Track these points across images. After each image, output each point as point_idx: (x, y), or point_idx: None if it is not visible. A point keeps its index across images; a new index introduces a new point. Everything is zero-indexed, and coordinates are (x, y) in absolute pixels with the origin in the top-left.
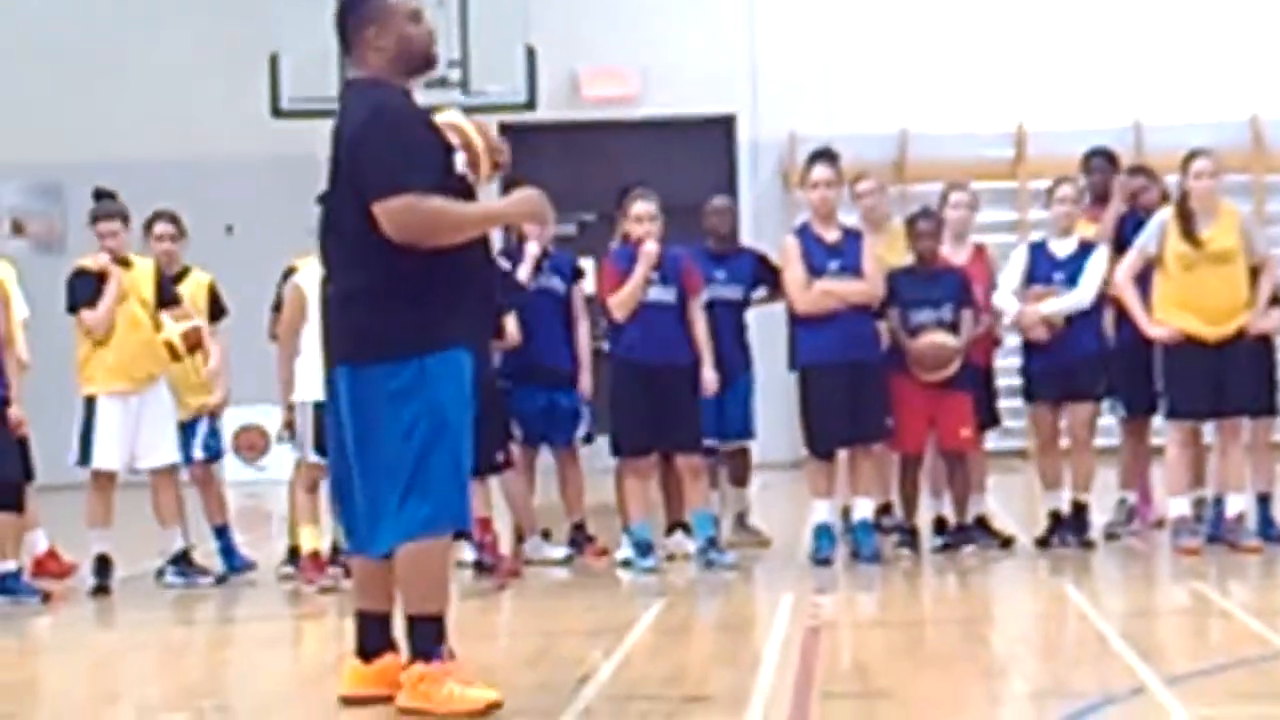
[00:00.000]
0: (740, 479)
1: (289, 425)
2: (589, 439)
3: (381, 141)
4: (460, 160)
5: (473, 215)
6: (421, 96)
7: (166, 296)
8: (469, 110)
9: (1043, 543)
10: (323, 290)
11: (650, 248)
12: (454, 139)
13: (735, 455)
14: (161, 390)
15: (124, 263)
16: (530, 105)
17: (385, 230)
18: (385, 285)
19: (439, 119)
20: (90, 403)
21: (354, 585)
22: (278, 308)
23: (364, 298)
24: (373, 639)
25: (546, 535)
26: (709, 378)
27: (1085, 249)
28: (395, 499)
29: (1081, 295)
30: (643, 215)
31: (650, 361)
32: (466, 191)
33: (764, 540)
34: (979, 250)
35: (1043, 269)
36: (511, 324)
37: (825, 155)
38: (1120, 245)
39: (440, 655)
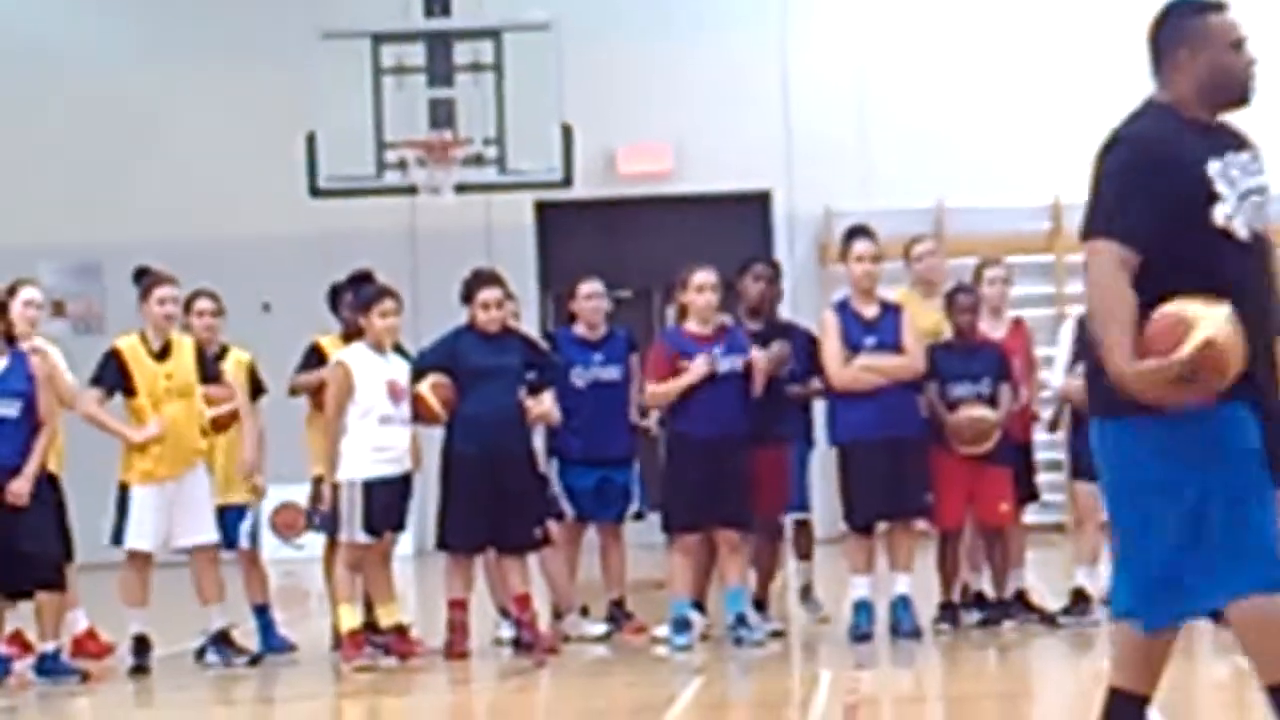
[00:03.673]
0: (805, 552)
1: (318, 501)
2: (640, 516)
3: (1110, 175)
4: (1221, 212)
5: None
6: (457, 174)
7: (210, 374)
8: (503, 187)
9: (1050, 619)
10: None
11: (700, 367)
12: None
13: (798, 528)
14: (199, 472)
15: (164, 350)
16: (567, 183)
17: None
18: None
19: None
20: (124, 489)
21: (1112, 657)
22: (305, 368)
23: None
24: None
25: (585, 612)
26: None
27: None
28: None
29: None
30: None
31: (709, 435)
32: (1222, 249)
33: (825, 616)
34: (1017, 324)
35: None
36: (549, 400)
37: (863, 231)
38: None
39: None
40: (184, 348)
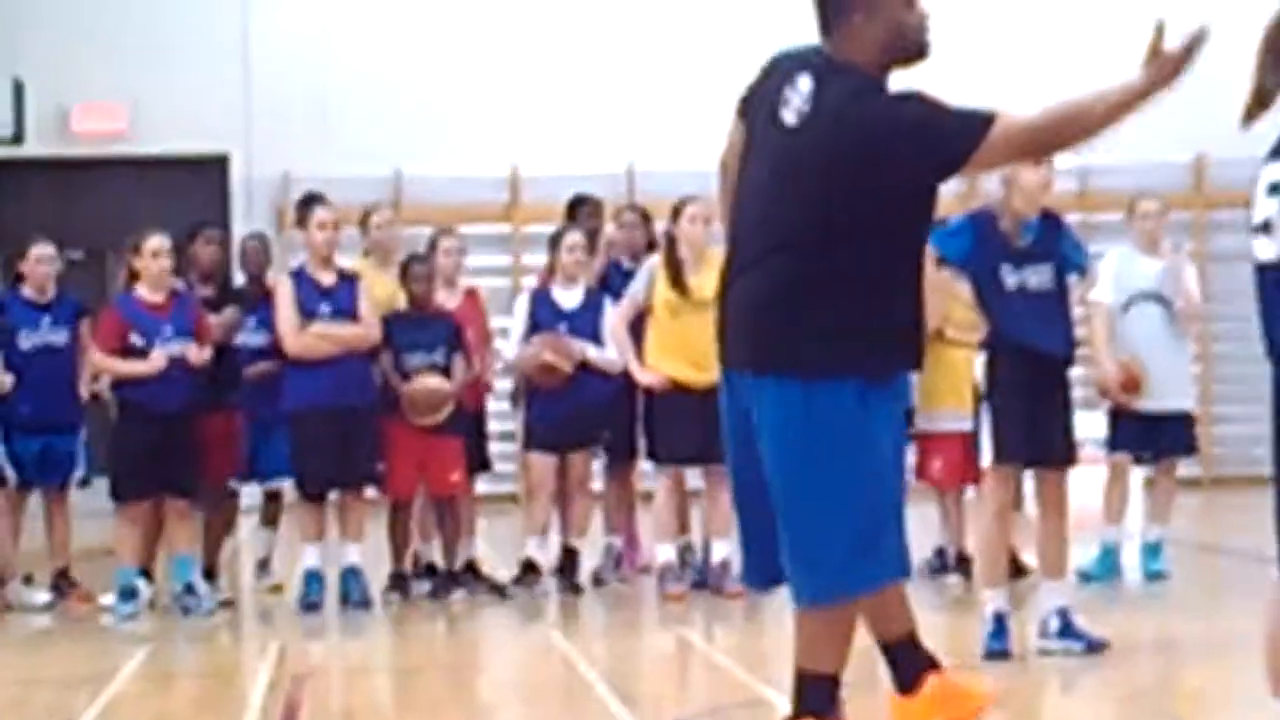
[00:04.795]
0: (271, 520)
1: None
2: (86, 482)
3: (930, 112)
4: None
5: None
6: None
7: None
8: None
9: (500, 590)
10: (734, 283)
11: (156, 363)
12: None
13: (267, 496)
14: None
15: None
16: (18, 140)
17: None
18: (858, 294)
19: None
20: None
21: (866, 618)
22: None
23: (828, 303)
24: (909, 666)
25: (28, 580)
26: None
27: (593, 302)
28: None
29: (614, 357)
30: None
31: (157, 403)
32: None
33: (278, 586)
34: (471, 294)
35: (547, 318)
36: None
37: (321, 198)
38: (605, 292)
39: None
40: None
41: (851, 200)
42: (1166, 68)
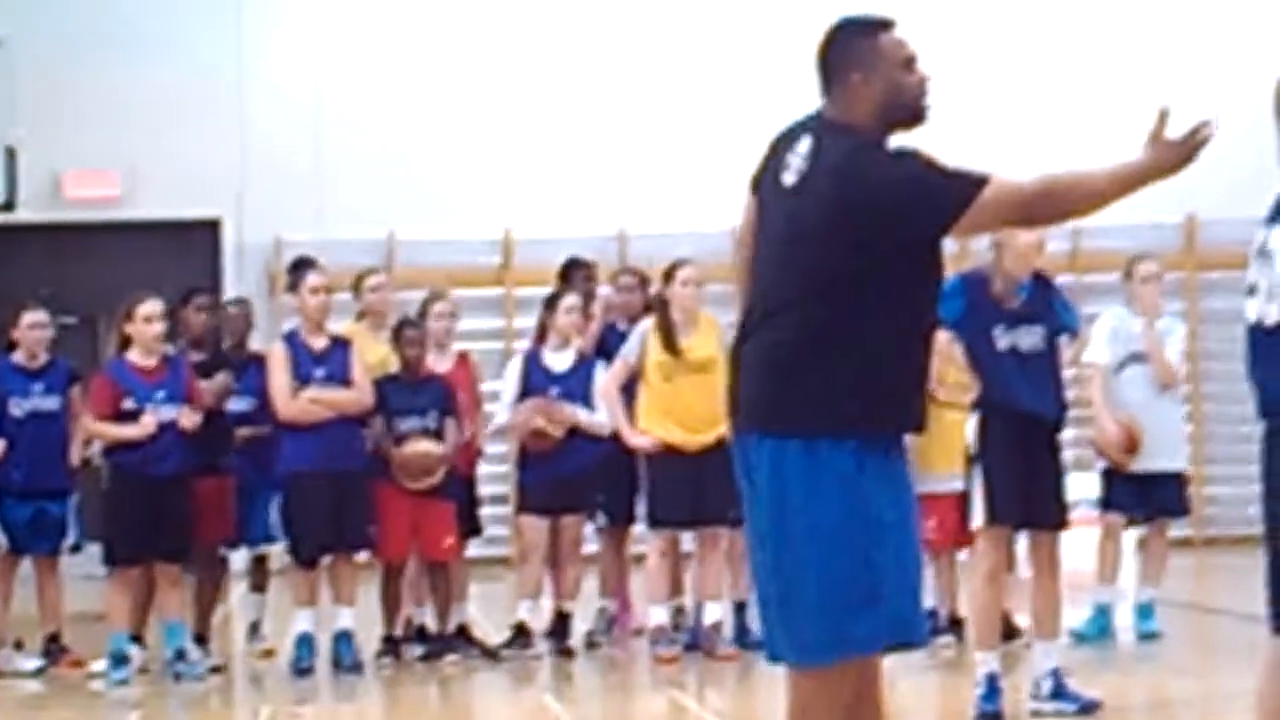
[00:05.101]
0: (259, 585)
1: None
2: (77, 548)
3: (924, 169)
4: None
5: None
6: None
7: None
8: None
9: (492, 653)
10: (742, 345)
11: (147, 427)
12: None
13: (256, 562)
14: None
15: None
16: (10, 206)
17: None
18: (858, 354)
19: None
20: None
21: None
22: None
23: (827, 363)
24: None
25: (19, 646)
26: None
27: (584, 365)
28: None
29: (605, 420)
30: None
31: (150, 469)
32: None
33: (269, 650)
34: (462, 358)
35: (539, 381)
36: None
37: (312, 262)
38: (602, 356)
39: None
40: None
41: (850, 258)
42: (1171, 158)
